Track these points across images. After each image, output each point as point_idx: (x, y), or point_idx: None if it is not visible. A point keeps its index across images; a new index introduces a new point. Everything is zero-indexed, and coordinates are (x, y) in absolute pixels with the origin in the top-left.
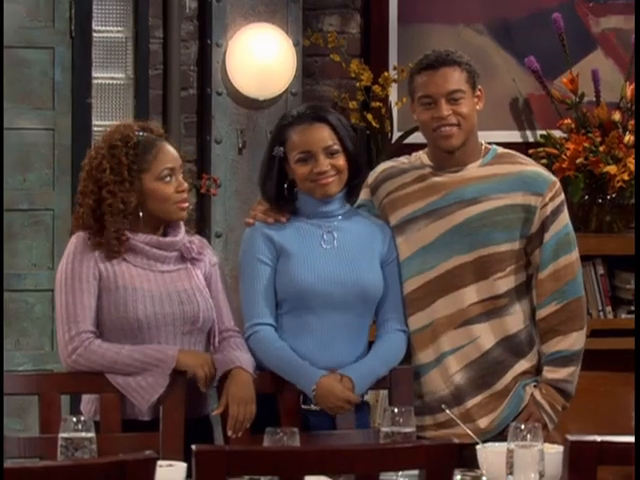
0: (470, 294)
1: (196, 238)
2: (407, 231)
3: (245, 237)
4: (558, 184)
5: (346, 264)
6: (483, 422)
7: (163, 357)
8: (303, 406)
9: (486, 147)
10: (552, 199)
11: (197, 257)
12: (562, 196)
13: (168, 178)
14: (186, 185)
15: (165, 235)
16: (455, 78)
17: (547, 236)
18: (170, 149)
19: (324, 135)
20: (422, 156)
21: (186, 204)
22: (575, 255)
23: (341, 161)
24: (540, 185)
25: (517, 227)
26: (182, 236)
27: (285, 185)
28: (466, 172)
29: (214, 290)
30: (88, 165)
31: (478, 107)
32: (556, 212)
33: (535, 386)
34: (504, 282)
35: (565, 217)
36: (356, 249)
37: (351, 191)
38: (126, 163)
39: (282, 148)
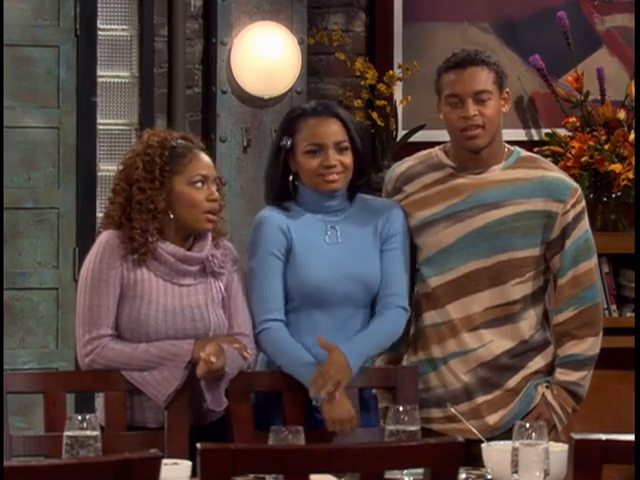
0: (486, 299)
1: (219, 252)
2: (425, 233)
3: (256, 227)
4: (580, 191)
5: (350, 259)
6: (492, 419)
7: (178, 351)
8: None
9: (509, 149)
10: (574, 206)
11: (218, 270)
12: (583, 202)
13: (199, 184)
14: (217, 195)
15: (193, 245)
16: (483, 78)
17: (568, 242)
18: (205, 158)
19: (336, 130)
20: (439, 154)
21: (214, 217)
22: (594, 261)
23: (348, 159)
24: (562, 191)
25: (537, 233)
26: (207, 250)
27: (290, 178)
28: (489, 174)
29: (230, 295)
30: (123, 164)
31: (504, 109)
32: (577, 219)
33: (547, 387)
34: (521, 288)
35: (585, 223)
36: (359, 242)
37: (353, 192)
38: (159, 163)
39: (290, 139)
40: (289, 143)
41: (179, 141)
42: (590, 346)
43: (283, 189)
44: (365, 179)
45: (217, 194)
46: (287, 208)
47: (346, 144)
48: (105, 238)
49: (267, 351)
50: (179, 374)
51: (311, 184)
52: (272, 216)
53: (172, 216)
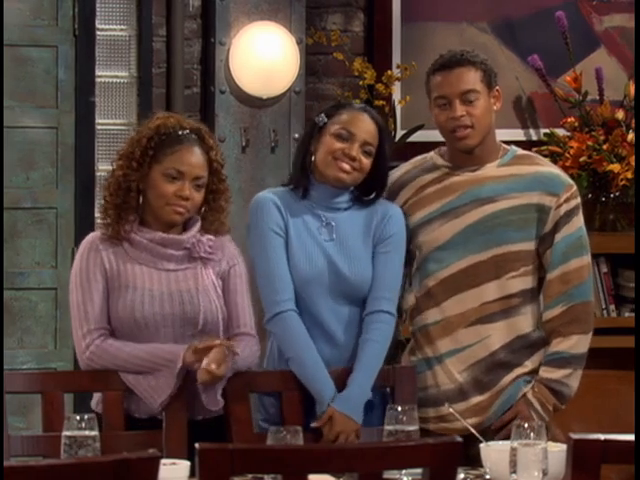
0: (483, 293)
1: (204, 238)
2: (422, 233)
3: (254, 208)
4: (575, 188)
5: (341, 259)
6: (477, 419)
7: (171, 357)
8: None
9: (504, 148)
10: (567, 200)
11: (207, 256)
12: (578, 200)
13: (174, 179)
14: (188, 194)
15: (180, 234)
16: (469, 78)
17: (558, 237)
18: (195, 155)
19: (371, 131)
20: (434, 157)
21: (180, 209)
22: (586, 259)
23: (368, 163)
24: (556, 186)
25: (532, 227)
26: (191, 234)
27: (313, 158)
28: (484, 171)
29: (230, 292)
30: None
31: (495, 107)
32: (570, 214)
33: (530, 384)
34: (518, 282)
35: (579, 220)
36: (352, 243)
37: (356, 200)
38: (144, 144)
39: (326, 118)
40: (323, 121)
41: (182, 132)
42: (575, 343)
43: (302, 168)
44: (371, 198)
45: (188, 193)
46: (289, 195)
47: (372, 149)
48: (86, 239)
49: (277, 337)
50: (172, 381)
51: (323, 164)
52: (269, 197)
53: (141, 200)
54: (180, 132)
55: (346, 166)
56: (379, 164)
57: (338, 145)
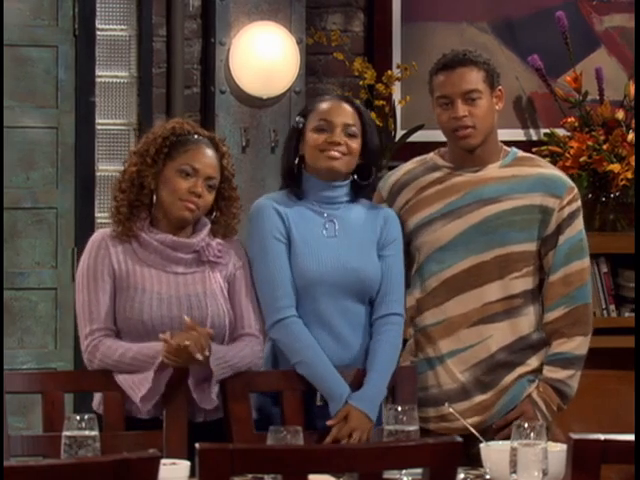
0: (486, 293)
1: (214, 242)
2: (424, 233)
3: (255, 214)
4: (576, 190)
5: (348, 253)
6: (480, 418)
7: (154, 354)
8: (319, 403)
9: (505, 149)
10: (570, 203)
11: (215, 260)
12: (579, 202)
13: (187, 175)
14: (200, 191)
15: (190, 237)
16: (472, 78)
17: (562, 239)
18: (207, 155)
19: (348, 113)
20: (434, 158)
21: (192, 205)
22: (587, 262)
23: (355, 145)
24: (559, 188)
25: (534, 228)
26: (200, 238)
27: (296, 161)
28: (486, 172)
29: (236, 293)
30: None
31: (498, 107)
32: (572, 216)
33: (533, 384)
34: (520, 282)
35: (580, 223)
36: (356, 238)
37: (356, 192)
38: (159, 143)
39: (303, 119)
40: (300, 122)
41: (197, 136)
42: (578, 345)
43: (291, 172)
44: (371, 181)
45: (201, 190)
46: (287, 198)
47: (355, 130)
48: (95, 236)
49: (281, 343)
50: (150, 375)
51: (312, 160)
52: (270, 203)
53: (155, 198)
54: (195, 136)
55: (334, 153)
56: (367, 142)
57: (320, 138)
